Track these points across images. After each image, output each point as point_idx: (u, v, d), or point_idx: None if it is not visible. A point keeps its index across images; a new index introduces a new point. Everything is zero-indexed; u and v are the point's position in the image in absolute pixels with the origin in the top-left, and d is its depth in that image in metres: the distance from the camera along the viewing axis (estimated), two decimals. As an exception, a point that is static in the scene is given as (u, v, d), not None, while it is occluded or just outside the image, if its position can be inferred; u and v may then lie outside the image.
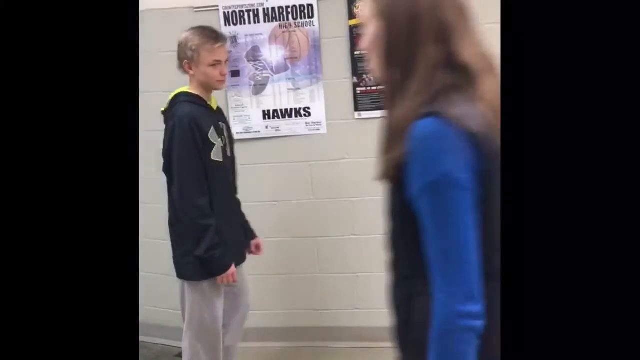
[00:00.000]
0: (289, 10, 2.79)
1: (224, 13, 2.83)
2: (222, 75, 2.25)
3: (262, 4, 2.80)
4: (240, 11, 2.82)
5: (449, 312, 1.01)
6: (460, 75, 1.07)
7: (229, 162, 2.35)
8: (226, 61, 2.27)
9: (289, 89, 2.85)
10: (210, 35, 2.21)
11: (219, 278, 2.21)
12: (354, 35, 2.75)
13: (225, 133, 2.32)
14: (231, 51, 2.85)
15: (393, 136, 1.09)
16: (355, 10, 2.73)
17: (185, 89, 2.30)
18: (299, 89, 2.83)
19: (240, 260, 2.40)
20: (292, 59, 2.82)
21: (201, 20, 2.82)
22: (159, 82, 2.91)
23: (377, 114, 2.80)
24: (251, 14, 2.82)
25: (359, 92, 2.80)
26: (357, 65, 2.78)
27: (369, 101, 2.79)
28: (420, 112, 1.02)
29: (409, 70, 1.06)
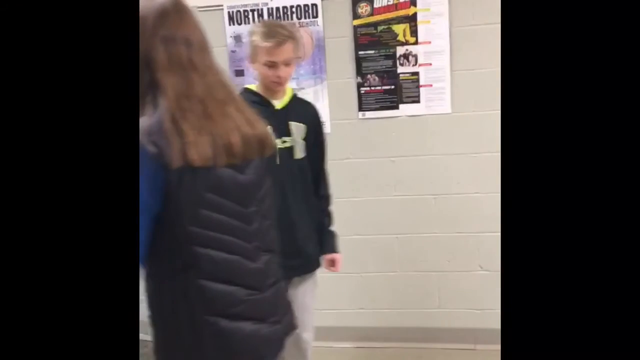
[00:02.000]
0: (293, 10, 2.79)
1: (228, 13, 2.83)
2: (278, 77, 2.01)
3: (267, 4, 2.80)
4: (244, 11, 2.82)
5: None
6: (192, 105, 1.21)
7: (293, 164, 2.10)
8: (288, 63, 2.02)
9: (293, 89, 2.85)
10: (269, 32, 1.97)
11: None
12: (358, 35, 2.75)
13: (294, 133, 2.09)
14: (235, 51, 2.85)
15: None
16: (359, 10, 2.73)
17: (252, 86, 2.12)
18: (302, 88, 2.83)
19: (290, 273, 2.04)
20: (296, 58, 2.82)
21: (205, 20, 2.83)
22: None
23: (381, 114, 2.80)
24: (255, 13, 2.82)
25: (363, 92, 2.80)
26: (361, 65, 2.77)
27: (373, 101, 2.79)
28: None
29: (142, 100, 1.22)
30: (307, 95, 2.83)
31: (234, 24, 2.83)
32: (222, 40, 2.84)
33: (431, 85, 2.73)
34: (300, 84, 2.83)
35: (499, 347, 1.04)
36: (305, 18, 2.78)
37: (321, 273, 3.03)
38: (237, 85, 2.83)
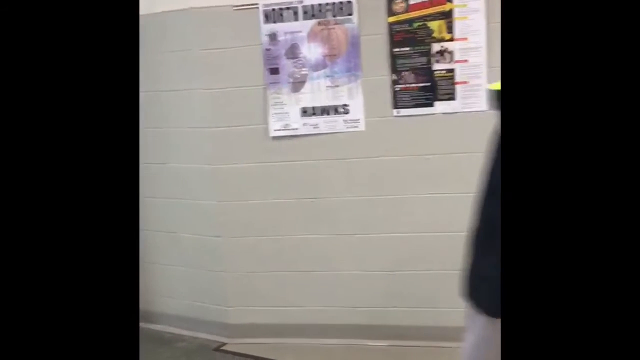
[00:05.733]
0: (328, 7, 2.79)
1: (264, 11, 2.85)
2: None
3: (301, 2, 2.81)
4: (279, 9, 2.83)
5: None
6: None
7: None
8: None
9: (327, 86, 2.85)
10: None
11: None
12: (393, 32, 2.73)
13: None
14: (270, 49, 2.87)
15: None
16: (394, 6, 2.71)
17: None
18: (337, 86, 2.83)
19: None
20: (331, 56, 2.83)
21: (241, 19, 2.85)
22: (201, 80, 2.96)
23: (416, 111, 2.78)
24: (290, 11, 2.83)
25: (397, 89, 2.78)
26: (396, 62, 2.76)
27: (408, 98, 2.77)
28: None
29: None
30: (341, 92, 2.83)
31: (269, 22, 2.85)
32: (256, 38, 2.86)
33: (467, 82, 2.70)
34: (334, 82, 2.83)
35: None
36: (340, 15, 2.78)
37: (351, 271, 3.05)
38: (271, 83, 2.87)
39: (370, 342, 2.99)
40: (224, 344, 3.11)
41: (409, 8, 2.70)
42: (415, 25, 2.71)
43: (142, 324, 3.39)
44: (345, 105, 2.84)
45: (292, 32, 2.84)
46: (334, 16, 2.79)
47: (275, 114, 2.91)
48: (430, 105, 2.76)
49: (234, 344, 3.09)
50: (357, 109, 2.84)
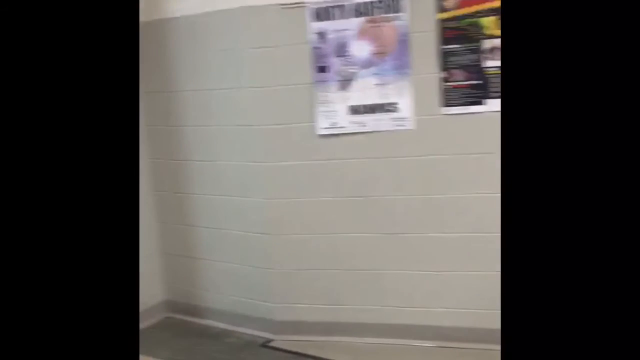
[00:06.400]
0: (377, 4, 2.77)
1: (312, 10, 2.84)
2: None
3: (350, -1, 2.80)
4: (328, 7, 2.83)
5: None
6: None
7: None
8: None
9: (375, 84, 2.83)
10: None
11: None
12: (443, 29, 2.69)
13: None
14: (319, 47, 2.86)
15: None
16: (445, 3, 2.67)
17: None
18: (385, 84, 2.81)
19: None
20: (380, 53, 2.80)
21: (289, 17, 2.86)
22: (248, 79, 2.98)
23: (466, 109, 2.73)
24: (339, 9, 2.82)
25: (447, 87, 2.74)
26: (445, 59, 2.72)
27: (458, 96, 2.73)
28: None
29: None
30: (390, 90, 2.81)
31: (318, 21, 2.85)
32: (304, 36, 2.86)
33: (519, 80, 2.63)
34: (383, 79, 2.81)
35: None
36: (388, 12, 2.76)
37: (398, 270, 3.02)
38: (319, 81, 2.87)
39: (415, 342, 2.96)
40: (271, 340, 3.14)
41: (459, 4, 2.66)
42: (466, 21, 2.66)
43: (190, 319, 3.45)
44: (394, 103, 2.82)
45: (340, 30, 2.83)
46: (383, 13, 2.76)
47: (323, 112, 2.90)
48: (481, 103, 2.70)
49: (281, 341, 3.12)
50: (405, 107, 2.81)
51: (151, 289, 3.49)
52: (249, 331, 3.24)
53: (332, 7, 2.82)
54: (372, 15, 2.78)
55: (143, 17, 3.26)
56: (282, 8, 2.87)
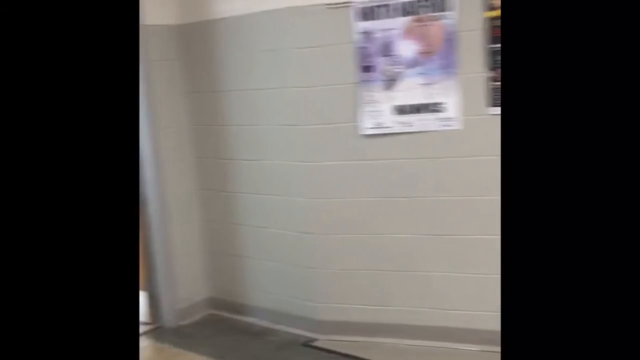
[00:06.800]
0: (423, 3, 2.74)
1: (358, 9, 2.83)
2: None
3: (396, -2, 2.77)
4: (374, 6, 2.81)
5: None
6: None
7: None
8: None
9: (421, 84, 2.81)
10: None
11: None
12: (491, 27, 2.64)
13: None
14: (365, 47, 2.85)
15: None
16: (492, 0, 2.62)
17: None
18: (432, 83, 2.78)
19: None
20: (426, 53, 2.77)
21: (335, 17, 2.86)
22: (293, 78, 3.00)
23: (514, 109, 2.67)
24: (385, 9, 2.80)
25: (494, 86, 2.69)
26: (493, 58, 2.67)
27: (506, 96, 2.67)
28: None
29: None
30: (436, 90, 2.78)
31: (364, 20, 2.83)
32: (349, 36, 2.85)
33: (570, 79, 2.57)
34: (429, 79, 2.78)
35: None
36: (435, 11, 2.72)
37: (443, 272, 2.98)
38: (364, 81, 2.85)
39: (461, 346, 2.92)
40: (313, 339, 3.14)
41: (508, 2, 2.60)
42: (515, 20, 2.60)
43: (233, 316, 3.49)
44: (440, 103, 2.78)
45: (386, 30, 2.81)
46: (430, 12, 2.73)
47: (368, 112, 2.89)
48: (530, 103, 2.64)
49: (323, 340, 3.12)
50: (452, 107, 2.77)
51: (195, 286, 3.54)
52: (291, 330, 3.25)
53: (378, 6, 2.81)
54: (419, 14, 2.75)
55: (189, 19, 3.32)
56: (328, 8, 2.87)
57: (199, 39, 3.31)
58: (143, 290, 3.41)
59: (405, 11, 2.77)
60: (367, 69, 2.87)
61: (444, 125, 2.79)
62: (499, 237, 2.91)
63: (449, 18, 2.71)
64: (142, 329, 3.39)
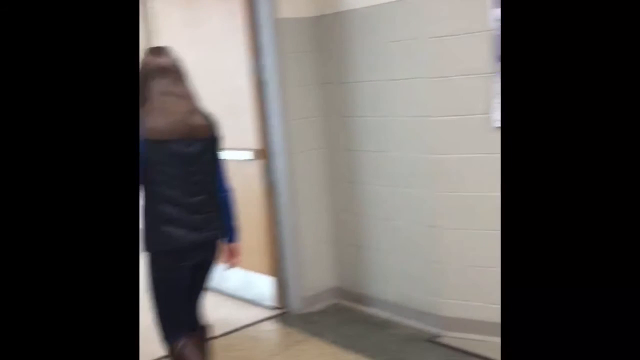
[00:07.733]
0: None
1: (494, -5, 2.71)
2: None
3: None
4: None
5: None
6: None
7: None
8: None
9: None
10: None
11: None
12: None
13: None
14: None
15: None
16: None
17: None
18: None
19: None
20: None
21: (470, 4, 2.76)
22: (425, 69, 2.94)
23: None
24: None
25: None
26: None
27: None
28: None
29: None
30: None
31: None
32: (485, 24, 2.74)
33: None
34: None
35: None
36: None
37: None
38: (499, 71, 2.72)
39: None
40: (437, 336, 3.08)
41: None
42: None
43: (357, 306, 3.51)
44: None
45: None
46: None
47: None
48: None
49: (448, 337, 3.04)
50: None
51: (322, 276, 3.60)
52: (413, 324, 3.21)
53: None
54: None
55: (322, 11, 3.36)
56: (463, -4, 2.77)
57: (331, 30, 3.35)
58: (272, 276, 3.54)
59: None
60: (502, 58, 2.75)
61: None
62: None
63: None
64: (270, 313, 3.52)
